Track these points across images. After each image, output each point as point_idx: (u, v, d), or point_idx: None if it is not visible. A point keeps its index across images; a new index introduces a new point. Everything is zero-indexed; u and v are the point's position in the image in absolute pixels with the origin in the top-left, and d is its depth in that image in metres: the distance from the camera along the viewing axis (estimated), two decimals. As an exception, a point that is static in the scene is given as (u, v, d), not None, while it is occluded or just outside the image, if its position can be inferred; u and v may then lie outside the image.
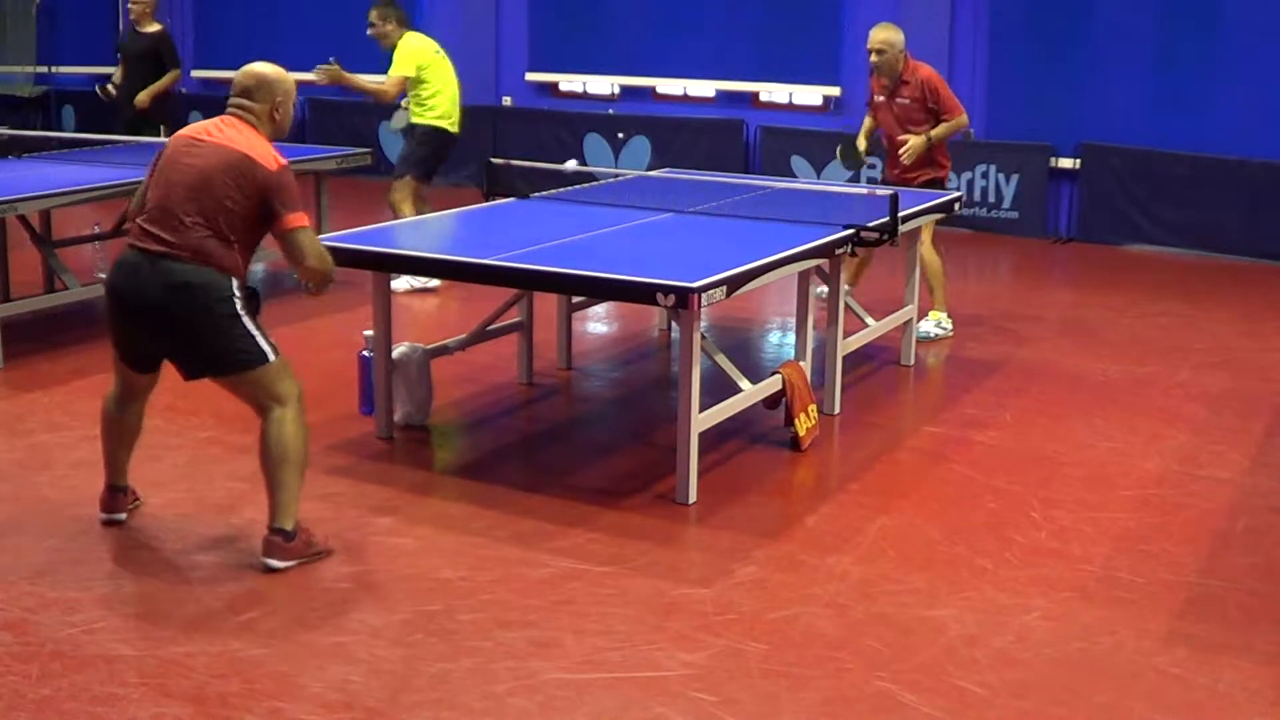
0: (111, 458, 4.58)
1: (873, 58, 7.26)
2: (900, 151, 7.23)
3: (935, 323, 7.33)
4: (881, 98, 7.41)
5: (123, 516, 4.60)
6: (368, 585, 4.14)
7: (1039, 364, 6.87)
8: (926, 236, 7.28)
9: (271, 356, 4.20)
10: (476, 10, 13.03)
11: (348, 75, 8.34)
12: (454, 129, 8.59)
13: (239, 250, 4.22)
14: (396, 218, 8.19)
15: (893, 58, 7.23)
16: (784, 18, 11.66)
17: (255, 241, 4.30)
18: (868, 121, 7.69)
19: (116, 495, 4.60)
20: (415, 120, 8.54)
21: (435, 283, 8.27)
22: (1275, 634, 3.91)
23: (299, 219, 4.23)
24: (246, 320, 4.19)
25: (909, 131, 7.22)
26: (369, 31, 8.50)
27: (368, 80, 8.48)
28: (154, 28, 9.71)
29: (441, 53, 8.64)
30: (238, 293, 4.20)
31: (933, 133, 7.19)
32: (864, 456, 5.50)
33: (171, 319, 4.15)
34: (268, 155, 4.24)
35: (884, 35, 7.26)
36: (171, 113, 9.88)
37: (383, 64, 8.74)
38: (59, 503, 4.77)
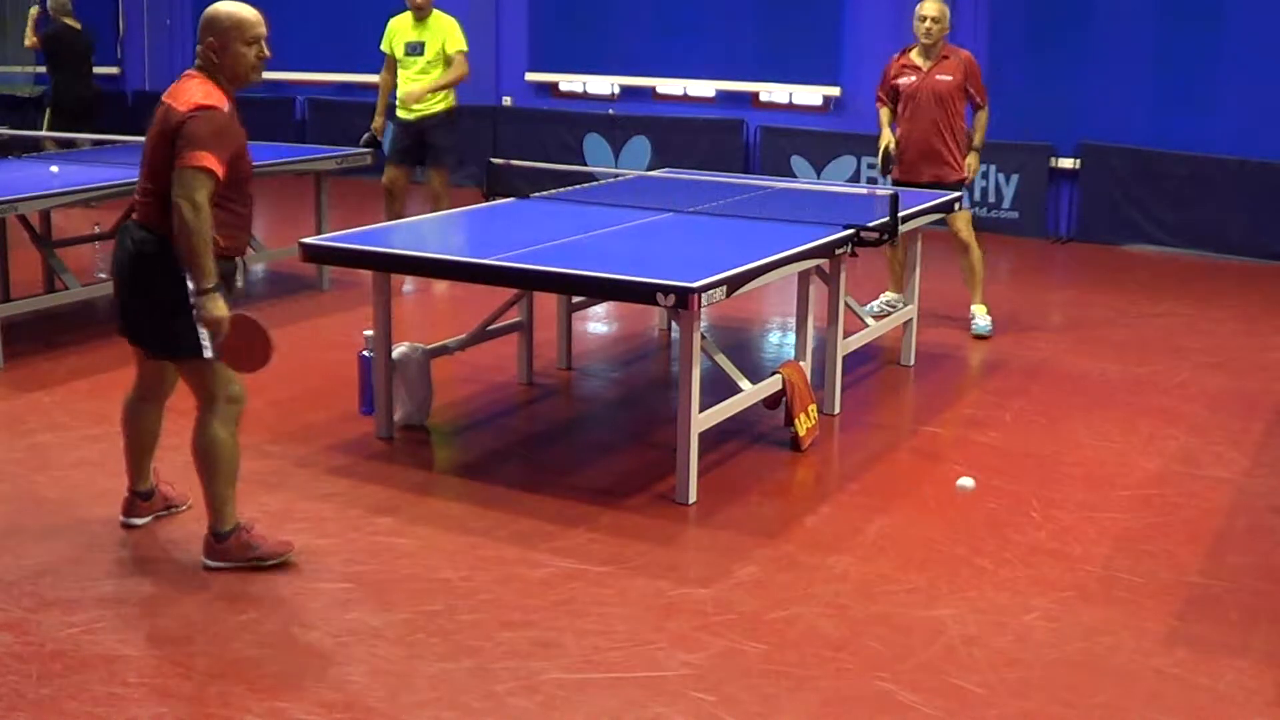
0: (131, 460, 4.51)
1: (926, 24, 7.24)
2: (969, 172, 7.38)
3: (985, 313, 7.43)
4: (912, 78, 7.33)
5: (140, 521, 4.54)
6: (368, 585, 4.14)
7: (1039, 364, 6.86)
8: (968, 230, 7.37)
9: (207, 353, 4.06)
10: (476, 10, 13.02)
11: (426, 87, 8.51)
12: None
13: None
14: (438, 208, 8.25)
15: (943, 29, 7.30)
16: (784, 18, 11.66)
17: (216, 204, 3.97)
18: (886, 113, 7.54)
19: (135, 501, 4.54)
20: (442, 106, 8.61)
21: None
22: (1275, 634, 3.91)
23: (193, 158, 3.86)
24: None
25: (944, 110, 7.27)
26: None
27: (447, 77, 8.58)
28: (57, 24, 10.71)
29: None
30: None
31: (978, 143, 7.41)
32: (864, 456, 5.50)
33: (130, 288, 4.14)
34: (188, 99, 3.96)
35: (941, 7, 7.28)
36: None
37: (379, 62, 8.77)
38: (59, 503, 4.77)
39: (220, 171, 3.92)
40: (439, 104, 8.65)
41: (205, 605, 3.99)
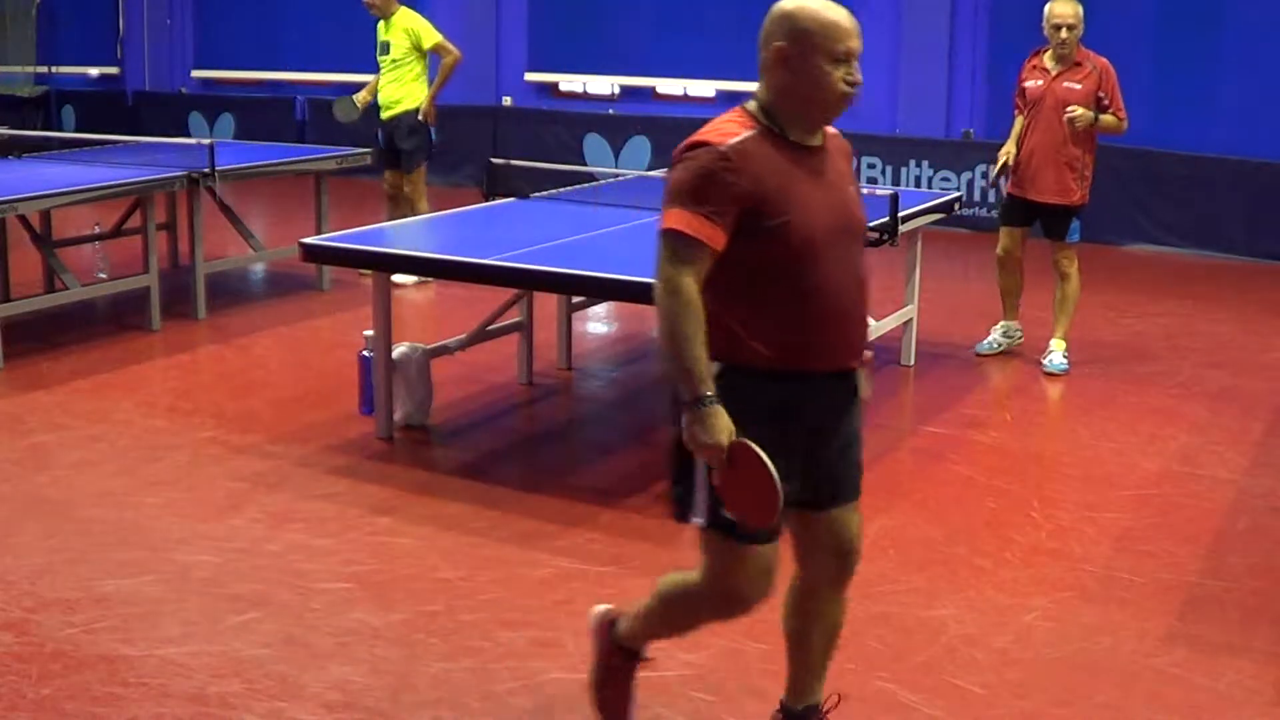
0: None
1: (1062, 34, 6.53)
2: (1067, 112, 6.48)
3: (1064, 350, 6.75)
4: (1039, 82, 6.67)
5: None
6: (368, 585, 4.13)
7: (1039, 364, 6.85)
8: (1070, 261, 6.78)
9: (700, 519, 2.98)
10: (476, 10, 13.03)
11: (432, 96, 8.46)
12: None
13: (728, 310, 2.85)
14: (415, 213, 8.16)
15: (1078, 35, 6.58)
16: (784, 18, 11.65)
17: (737, 289, 2.84)
18: (1019, 124, 6.84)
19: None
20: (406, 107, 8.52)
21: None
22: (1275, 634, 3.91)
23: (663, 218, 2.81)
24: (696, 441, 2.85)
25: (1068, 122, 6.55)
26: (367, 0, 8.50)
27: (444, 74, 8.50)
28: None
29: None
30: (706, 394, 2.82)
31: (1101, 116, 6.52)
32: (864, 456, 5.47)
33: None
34: (697, 135, 2.85)
35: (1076, 9, 6.55)
36: None
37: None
38: (59, 503, 4.77)
39: (700, 234, 2.74)
40: (405, 105, 8.50)
41: (205, 605, 3.99)
